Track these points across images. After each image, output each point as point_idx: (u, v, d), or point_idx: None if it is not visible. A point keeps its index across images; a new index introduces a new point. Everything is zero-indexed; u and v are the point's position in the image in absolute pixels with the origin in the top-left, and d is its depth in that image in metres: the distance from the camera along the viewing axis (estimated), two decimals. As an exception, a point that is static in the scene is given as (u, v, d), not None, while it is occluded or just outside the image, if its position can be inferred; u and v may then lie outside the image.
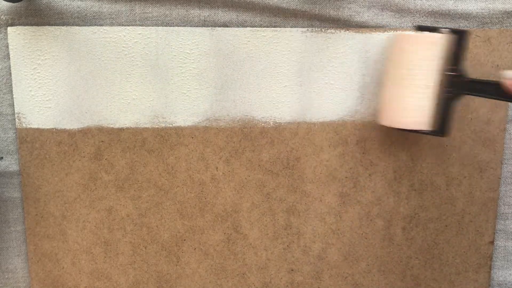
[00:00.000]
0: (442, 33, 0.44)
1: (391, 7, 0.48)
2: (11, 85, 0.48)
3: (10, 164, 0.50)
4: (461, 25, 0.49)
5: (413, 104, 0.45)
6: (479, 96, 0.44)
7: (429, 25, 0.47)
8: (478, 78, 0.45)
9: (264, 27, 0.48)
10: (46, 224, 0.50)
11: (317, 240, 0.51)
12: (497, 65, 0.49)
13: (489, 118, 0.50)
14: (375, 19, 0.49)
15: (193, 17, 0.48)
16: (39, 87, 0.48)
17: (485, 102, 0.49)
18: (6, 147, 0.50)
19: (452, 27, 0.46)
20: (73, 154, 0.49)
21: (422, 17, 0.49)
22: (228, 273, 0.52)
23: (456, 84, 0.44)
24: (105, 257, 0.51)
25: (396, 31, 0.48)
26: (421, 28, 0.45)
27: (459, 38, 0.44)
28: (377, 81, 0.49)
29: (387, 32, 0.48)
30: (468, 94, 0.44)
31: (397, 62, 0.45)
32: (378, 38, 0.48)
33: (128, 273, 0.51)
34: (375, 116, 0.49)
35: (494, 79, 0.42)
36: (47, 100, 0.48)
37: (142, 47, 0.48)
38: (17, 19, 0.47)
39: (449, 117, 0.45)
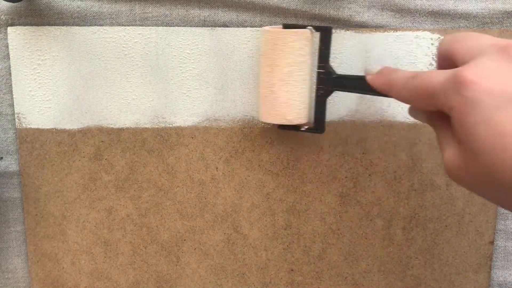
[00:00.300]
0: (308, 30, 0.45)
1: (391, 7, 0.48)
2: (11, 85, 0.48)
3: (10, 164, 0.50)
4: (461, 25, 0.49)
5: (288, 101, 0.45)
6: (347, 91, 0.45)
7: (295, 23, 0.48)
8: (344, 74, 0.46)
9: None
10: (46, 224, 0.50)
11: (317, 240, 0.51)
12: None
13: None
14: (375, 19, 0.49)
15: (193, 17, 0.48)
16: (39, 87, 0.48)
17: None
18: (6, 147, 0.50)
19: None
20: (73, 154, 0.49)
21: (422, 17, 0.49)
22: (228, 273, 0.52)
23: (326, 81, 0.45)
24: (105, 257, 0.51)
25: (396, 31, 0.48)
26: (287, 26, 0.46)
27: (324, 35, 0.45)
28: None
29: (387, 32, 0.48)
30: (337, 90, 0.45)
31: (267, 59, 0.45)
32: (378, 38, 0.48)
33: (128, 273, 0.51)
34: (375, 116, 0.49)
35: (360, 75, 0.43)
36: (47, 100, 0.48)
37: (142, 47, 0.48)
38: (17, 19, 0.47)
39: (324, 114, 0.46)
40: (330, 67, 0.45)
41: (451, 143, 0.33)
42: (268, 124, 0.49)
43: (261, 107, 0.47)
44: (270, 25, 0.48)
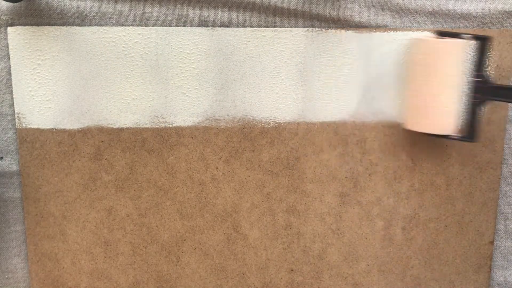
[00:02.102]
0: (464, 38, 0.45)
1: (391, 7, 0.48)
2: (11, 85, 0.48)
3: (10, 164, 0.50)
4: (461, 25, 0.49)
5: (441, 110, 0.45)
6: (505, 101, 0.45)
7: (449, 30, 0.47)
8: (503, 84, 0.45)
9: (264, 27, 0.48)
10: (46, 224, 0.50)
11: (317, 240, 0.51)
12: (497, 65, 0.49)
13: (489, 118, 0.50)
14: (375, 19, 0.49)
15: (193, 17, 0.48)
16: (39, 87, 0.48)
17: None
18: (6, 147, 0.50)
19: (473, 32, 0.46)
20: (73, 154, 0.49)
21: (422, 17, 0.49)
22: (228, 273, 0.52)
23: (481, 90, 0.45)
24: (105, 257, 0.51)
25: (396, 31, 0.48)
26: (441, 34, 0.46)
27: (482, 43, 0.45)
28: (379, 81, 0.49)
29: (387, 32, 0.48)
30: (493, 99, 0.45)
31: (421, 68, 0.45)
32: (378, 38, 0.48)
33: (128, 273, 0.51)
34: (375, 116, 0.49)
35: None
36: (47, 100, 0.48)
37: (142, 47, 0.48)
38: (17, 19, 0.47)
39: (477, 122, 0.46)
40: (486, 76, 0.45)
41: None
42: (412, 131, 0.48)
43: (410, 115, 0.47)
44: (270, 25, 0.48)
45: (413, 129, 0.47)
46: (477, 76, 0.45)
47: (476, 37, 0.45)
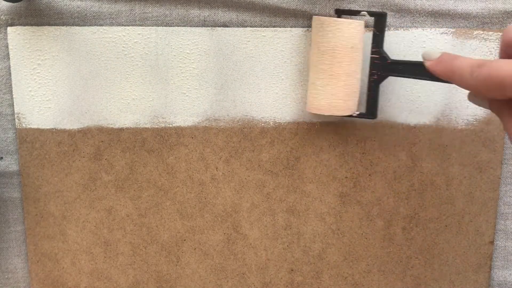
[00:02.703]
0: (361, 15, 0.45)
1: (391, 7, 0.48)
2: (11, 85, 0.48)
3: (10, 164, 0.50)
4: (461, 25, 0.49)
5: (341, 89, 0.45)
6: (403, 76, 0.45)
7: (347, 9, 0.47)
8: (400, 59, 0.45)
9: (264, 27, 0.48)
10: (46, 224, 0.50)
11: (317, 240, 0.51)
12: None
13: (489, 118, 0.50)
14: (375, 19, 0.48)
15: (193, 17, 0.48)
16: (39, 87, 0.48)
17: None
18: (6, 147, 0.50)
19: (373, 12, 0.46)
20: (73, 154, 0.49)
21: (422, 17, 0.48)
22: (228, 273, 0.52)
23: (380, 66, 0.45)
24: (105, 257, 0.51)
25: (393, 30, 0.48)
26: (339, 12, 0.46)
27: (378, 20, 0.45)
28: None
29: (387, 31, 0.48)
30: (392, 75, 0.45)
31: (320, 48, 0.45)
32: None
33: (128, 273, 0.51)
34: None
35: (417, 60, 0.43)
36: (47, 100, 0.48)
37: (142, 47, 0.48)
38: (17, 19, 0.47)
39: (377, 100, 0.46)
40: (384, 53, 0.45)
41: None
42: (314, 114, 0.48)
43: (310, 98, 0.47)
44: (270, 25, 0.48)
45: (316, 112, 0.47)
46: (375, 53, 0.45)
47: (373, 14, 0.45)
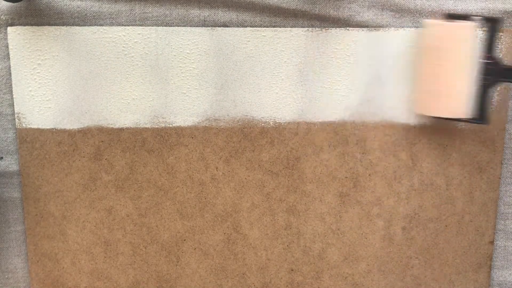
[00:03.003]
0: (474, 20, 0.45)
1: (391, 7, 0.48)
2: (11, 85, 0.48)
3: (10, 164, 0.50)
4: (461, 25, 0.49)
5: (452, 92, 0.45)
6: None
7: (458, 13, 0.47)
8: None
9: (264, 27, 0.48)
10: (46, 224, 0.50)
11: (317, 240, 0.51)
12: None
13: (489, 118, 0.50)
14: (375, 19, 0.49)
15: (193, 17, 0.48)
16: (39, 87, 0.48)
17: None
18: (6, 147, 0.50)
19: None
20: (73, 154, 0.49)
21: (422, 17, 0.49)
22: (228, 273, 0.52)
23: (492, 72, 0.45)
24: (105, 257, 0.51)
25: (397, 29, 0.48)
26: (451, 16, 0.46)
27: (491, 25, 0.45)
28: (379, 80, 0.49)
29: (386, 31, 0.48)
30: (504, 81, 0.45)
31: (431, 51, 0.45)
32: (378, 37, 0.48)
33: (128, 273, 0.51)
34: (375, 116, 0.49)
35: None
36: (47, 100, 0.48)
37: (142, 47, 0.48)
38: (17, 19, 0.47)
39: (488, 105, 0.46)
40: (497, 58, 0.45)
41: None
42: (426, 116, 0.48)
43: (418, 99, 0.46)
44: (270, 25, 0.48)
45: (425, 113, 0.47)
46: (488, 58, 0.45)
47: (486, 19, 0.45)
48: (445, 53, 0.44)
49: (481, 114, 0.46)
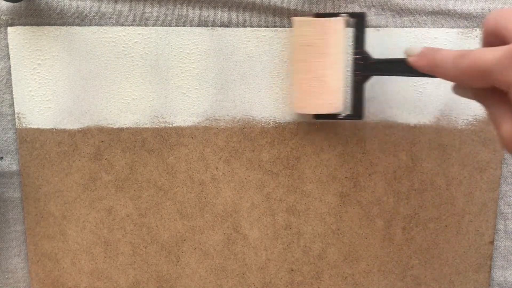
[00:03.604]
0: (341, 17, 0.45)
1: (391, 7, 0.48)
2: (11, 85, 0.48)
3: (10, 164, 0.50)
4: (461, 24, 0.49)
5: (326, 89, 0.45)
6: (387, 75, 0.45)
7: (326, 12, 0.48)
8: (382, 58, 0.46)
9: (264, 27, 0.48)
10: (46, 224, 0.50)
11: (317, 240, 0.51)
12: None
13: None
14: (375, 19, 0.49)
15: (193, 17, 0.48)
16: (39, 87, 0.48)
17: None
18: (6, 147, 0.50)
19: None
20: (73, 154, 0.49)
21: (422, 17, 0.49)
22: (228, 273, 0.52)
23: (363, 67, 0.46)
24: (105, 257, 0.51)
25: (396, 28, 0.48)
26: (319, 15, 0.46)
27: (358, 21, 0.45)
28: (378, 80, 0.49)
29: (386, 30, 0.48)
30: (375, 74, 0.46)
31: (302, 49, 0.45)
32: (378, 37, 0.48)
33: (128, 273, 0.51)
34: (375, 116, 0.49)
35: (398, 57, 0.43)
36: (47, 100, 0.48)
37: (142, 47, 0.48)
38: (17, 19, 0.47)
39: (362, 100, 0.46)
40: (366, 52, 0.45)
41: (507, 118, 0.33)
42: (304, 115, 0.48)
43: (294, 98, 0.47)
44: (270, 25, 0.48)
45: (301, 112, 0.47)
46: (357, 53, 0.46)
47: (352, 15, 0.45)
48: (315, 50, 0.45)
49: (357, 110, 0.47)
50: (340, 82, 0.46)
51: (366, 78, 0.46)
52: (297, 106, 0.47)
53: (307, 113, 0.47)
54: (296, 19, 0.46)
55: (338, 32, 0.45)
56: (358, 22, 0.45)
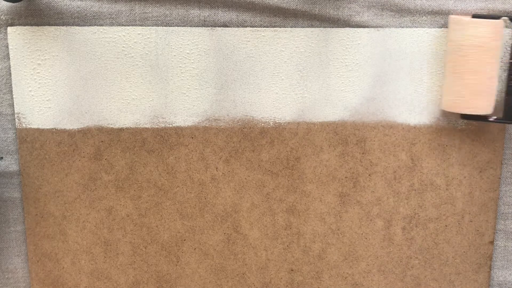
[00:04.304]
0: (501, 19, 0.45)
1: (391, 7, 0.48)
2: (11, 85, 0.48)
3: (10, 164, 0.50)
4: (461, 25, 0.49)
5: (479, 91, 0.45)
6: None
7: (485, 13, 0.47)
8: None
9: (264, 27, 0.48)
10: (46, 224, 0.50)
11: (317, 240, 0.51)
12: None
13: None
14: (375, 19, 0.49)
15: (193, 17, 0.48)
16: (39, 87, 0.48)
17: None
18: (6, 147, 0.50)
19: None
20: (73, 154, 0.49)
21: (422, 17, 0.49)
22: (228, 273, 0.52)
23: None
24: (105, 257, 0.51)
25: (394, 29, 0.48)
26: (477, 16, 0.46)
27: None
28: (378, 80, 0.49)
29: (387, 30, 0.48)
30: None
31: (459, 49, 0.45)
32: (379, 37, 0.48)
33: (128, 273, 0.51)
34: (375, 116, 0.49)
35: None
36: (47, 100, 0.48)
37: (142, 47, 0.48)
38: (17, 19, 0.47)
39: None
40: None
41: None
42: (449, 112, 0.48)
43: (449, 96, 0.47)
44: (270, 25, 0.48)
45: (452, 110, 0.47)
46: None
47: None
48: (472, 51, 0.45)
49: (508, 114, 0.46)
50: (493, 85, 0.45)
51: None
52: (447, 104, 0.47)
53: (458, 112, 0.46)
54: (453, 18, 0.45)
55: (495, 35, 0.44)
56: None
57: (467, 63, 0.45)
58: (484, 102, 0.46)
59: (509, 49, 0.46)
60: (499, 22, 0.45)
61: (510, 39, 0.46)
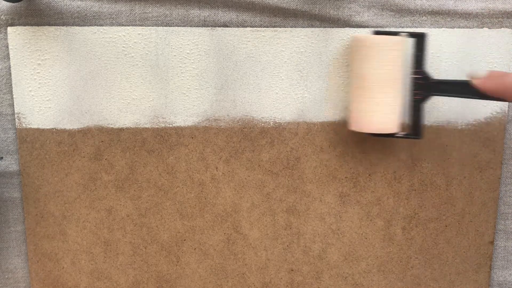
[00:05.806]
0: (401, 36, 0.45)
1: (391, 7, 0.48)
2: (11, 85, 0.48)
3: (10, 164, 0.50)
4: (461, 25, 0.49)
5: (384, 108, 0.45)
6: (447, 96, 0.45)
7: (387, 30, 0.47)
8: (443, 79, 0.46)
9: (264, 27, 0.48)
10: (46, 224, 0.50)
11: (317, 240, 0.51)
12: (495, 66, 0.49)
13: (489, 118, 0.50)
14: (375, 19, 0.49)
15: (193, 17, 0.48)
16: (39, 87, 0.48)
17: (485, 102, 0.49)
18: (6, 147, 0.50)
19: (410, 30, 0.46)
20: (73, 154, 0.49)
21: (422, 17, 0.49)
22: (228, 273, 0.52)
23: (423, 86, 0.45)
24: (105, 257, 0.51)
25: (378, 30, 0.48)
26: (378, 33, 0.46)
27: (419, 40, 0.45)
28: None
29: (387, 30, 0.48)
30: (435, 95, 0.45)
31: (361, 66, 0.45)
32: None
33: (128, 273, 0.51)
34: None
35: (460, 79, 0.44)
36: (47, 100, 0.48)
37: (142, 47, 0.48)
38: (17, 19, 0.47)
39: (421, 119, 0.46)
40: (426, 72, 0.45)
41: None
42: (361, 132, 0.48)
43: (352, 116, 0.46)
44: (270, 25, 0.48)
45: (358, 130, 0.46)
46: (417, 73, 0.45)
47: (413, 35, 0.45)
48: (373, 69, 0.44)
49: (415, 129, 0.46)
50: (398, 102, 0.45)
51: (425, 98, 0.45)
52: (353, 123, 0.46)
53: (363, 131, 0.46)
54: (355, 36, 0.45)
55: (395, 51, 0.44)
56: (419, 42, 0.45)
57: (370, 82, 0.44)
58: (390, 121, 0.45)
59: (411, 65, 0.46)
60: (399, 39, 0.44)
61: (411, 55, 0.46)
